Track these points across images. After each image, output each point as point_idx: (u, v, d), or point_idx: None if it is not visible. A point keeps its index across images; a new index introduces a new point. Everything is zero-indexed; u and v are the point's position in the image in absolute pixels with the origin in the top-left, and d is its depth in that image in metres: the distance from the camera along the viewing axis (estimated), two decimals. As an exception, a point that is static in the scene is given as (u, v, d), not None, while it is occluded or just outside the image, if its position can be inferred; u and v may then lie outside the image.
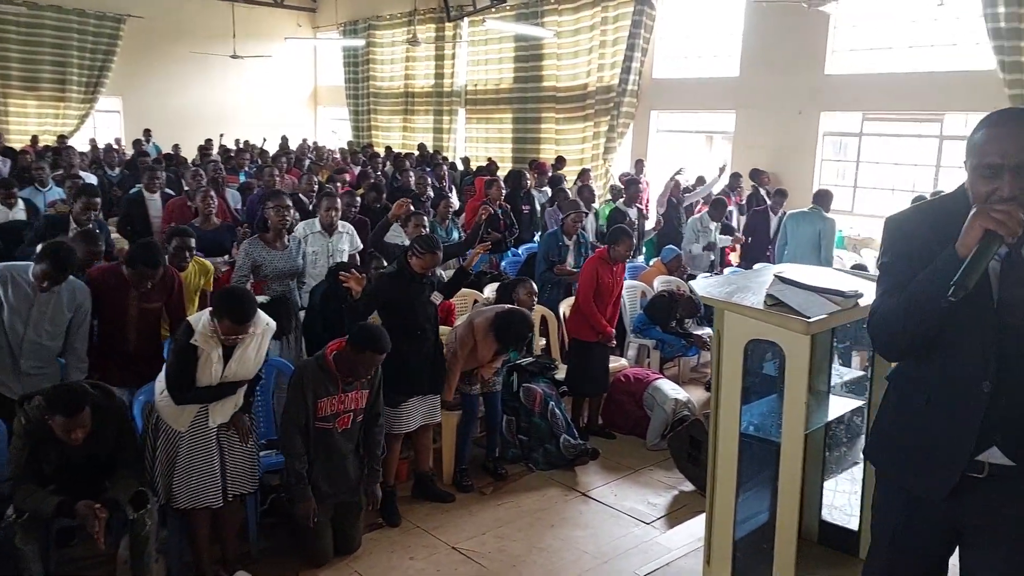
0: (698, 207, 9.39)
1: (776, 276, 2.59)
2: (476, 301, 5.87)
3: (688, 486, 4.74)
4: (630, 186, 8.78)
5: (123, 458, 3.34)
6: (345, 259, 5.61)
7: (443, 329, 5.00)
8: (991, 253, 1.71)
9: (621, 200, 8.71)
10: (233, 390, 3.49)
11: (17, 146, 12.88)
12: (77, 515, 3.09)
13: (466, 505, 4.46)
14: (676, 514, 4.39)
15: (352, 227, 5.85)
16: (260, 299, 4.26)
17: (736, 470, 2.66)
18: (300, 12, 19.35)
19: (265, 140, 15.64)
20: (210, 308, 3.49)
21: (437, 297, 4.45)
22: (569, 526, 4.26)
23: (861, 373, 3.40)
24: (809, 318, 2.37)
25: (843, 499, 3.29)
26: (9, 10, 14.47)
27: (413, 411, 4.28)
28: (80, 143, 14.05)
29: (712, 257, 8.09)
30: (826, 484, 3.25)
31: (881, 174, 10.65)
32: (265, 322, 3.57)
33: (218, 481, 3.50)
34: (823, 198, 7.65)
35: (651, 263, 7.77)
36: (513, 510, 4.42)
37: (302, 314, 5.03)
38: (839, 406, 2.97)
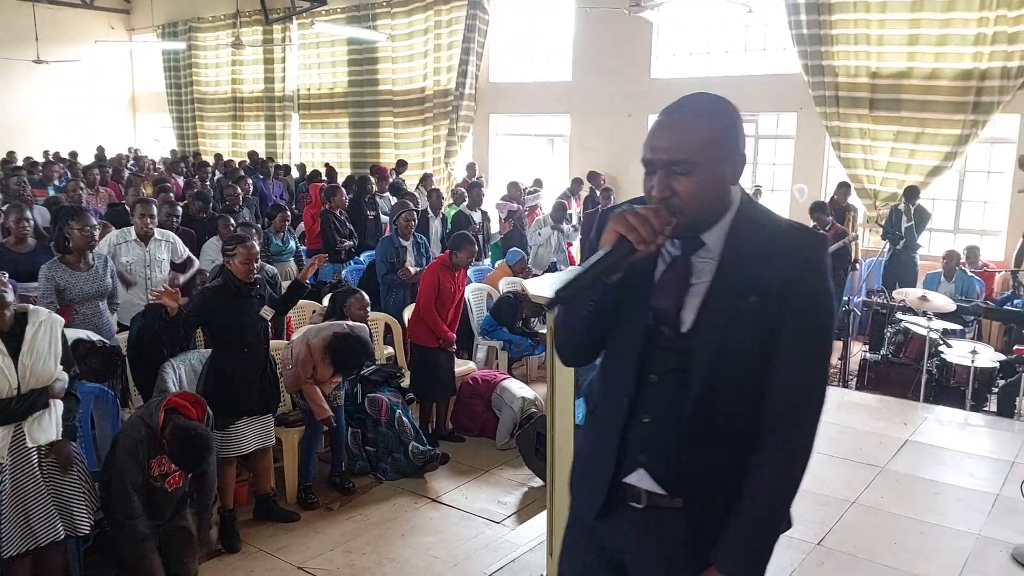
0: (536, 210, 9.62)
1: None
2: (314, 311, 5.68)
3: (538, 482, 4.80)
4: (473, 189, 8.84)
5: None
6: (165, 269, 5.34)
7: (278, 343, 4.80)
8: (615, 259, 1.48)
9: (465, 204, 8.75)
10: (43, 400, 3.16)
11: None
12: None
13: (312, 523, 4.29)
14: (526, 510, 4.44)
15: (175, 236, 5.53)
16: (75, 333, 3.92)
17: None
18: (112, 14, 18.05)
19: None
20: None
21: (267, 312, 4.24)
22: (420, 533, 4.21)
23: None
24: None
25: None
26: None
27: (244, 433, 4.06)
28: None
29: (554, 258, 8.29)
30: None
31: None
32: (44, 313, 3.25)
33: (53, 515, 3.17)
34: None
35: (496, 265, 7.85)
36: (362, 523, 4.31)
37: (123, 336, 4.67)
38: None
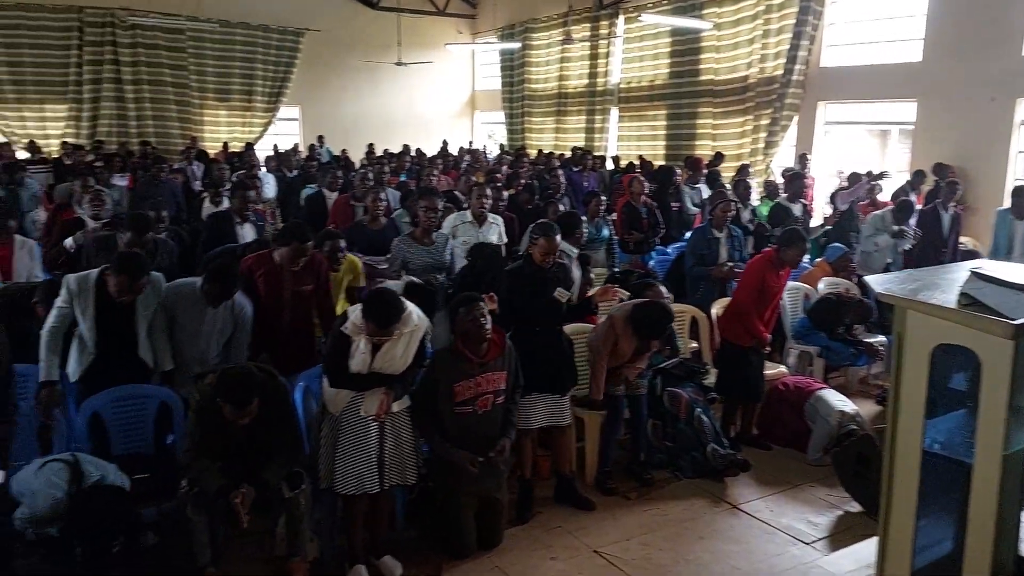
0: (861, 203, 8.69)
1: (973, 272, 2.24)
2: (620, 299, 5.68)
3: (855, 506, 4.32)
4: (794, 180, 8.25)
5: (281, 439, 3.47)
6: None
7: (582, 327, 4.85)
8: None
9: (784, 196, 8.21)
10: (383, 383, 3.53)
11: (211, 152, 14.04)
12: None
13: (609, 509, 4.31)
14: (840, 536, 4.02)
15: (501, 220, 5.90)
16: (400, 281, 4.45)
17: (916, 492, 2.34)
18: (460, 20, 19.84)
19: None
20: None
21: (563, 294, 4.29)
22: (719, 539, 4.01)
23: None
24: (1014, 320, 2.02)
25: (1046, 533, 2.84)
26: (205, 27, 15.79)
27: (533, 407, 4.17)
28: (264, 149, 14.99)
29: (888, 260, 7.42)
30: (1025, 514, 2.82)
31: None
32: (415, 323, 3.56)
33: (375, 468, 3.53)
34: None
35: (815, 263, 7.24)
36: (659, 518, 4.22)
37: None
38: (1044, 425, 2.56)
